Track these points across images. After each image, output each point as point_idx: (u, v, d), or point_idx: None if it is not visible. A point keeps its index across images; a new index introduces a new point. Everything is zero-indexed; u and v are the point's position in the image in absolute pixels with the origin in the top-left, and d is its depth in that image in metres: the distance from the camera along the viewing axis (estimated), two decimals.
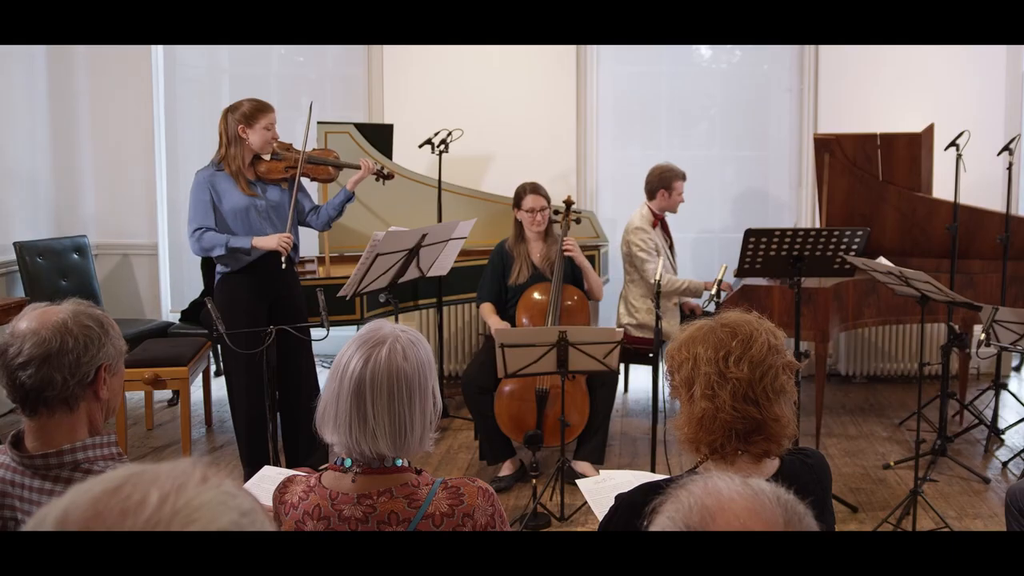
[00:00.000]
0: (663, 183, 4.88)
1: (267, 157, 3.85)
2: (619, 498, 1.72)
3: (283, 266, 3.78)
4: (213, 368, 5.61)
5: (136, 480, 0.77)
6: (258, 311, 3.81)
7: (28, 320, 1.60)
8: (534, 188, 4.38)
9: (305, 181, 4.04)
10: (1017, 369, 6.09)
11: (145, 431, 4.92)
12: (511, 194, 4.54)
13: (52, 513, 0.75)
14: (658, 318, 3.87)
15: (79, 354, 1.59)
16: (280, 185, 3.92)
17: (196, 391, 4.96)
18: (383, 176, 4.23)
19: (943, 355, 4.27)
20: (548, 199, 4.39)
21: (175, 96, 6.02)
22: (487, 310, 4.40)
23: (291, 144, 4.01)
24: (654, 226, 4.89)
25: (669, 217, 5.06)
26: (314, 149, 4.10)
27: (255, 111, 3.77)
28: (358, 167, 4.07)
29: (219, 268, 3.90)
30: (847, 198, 5.21)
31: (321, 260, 5.07)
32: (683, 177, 4.95)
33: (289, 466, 3.47)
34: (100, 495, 0.75)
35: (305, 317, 3.99)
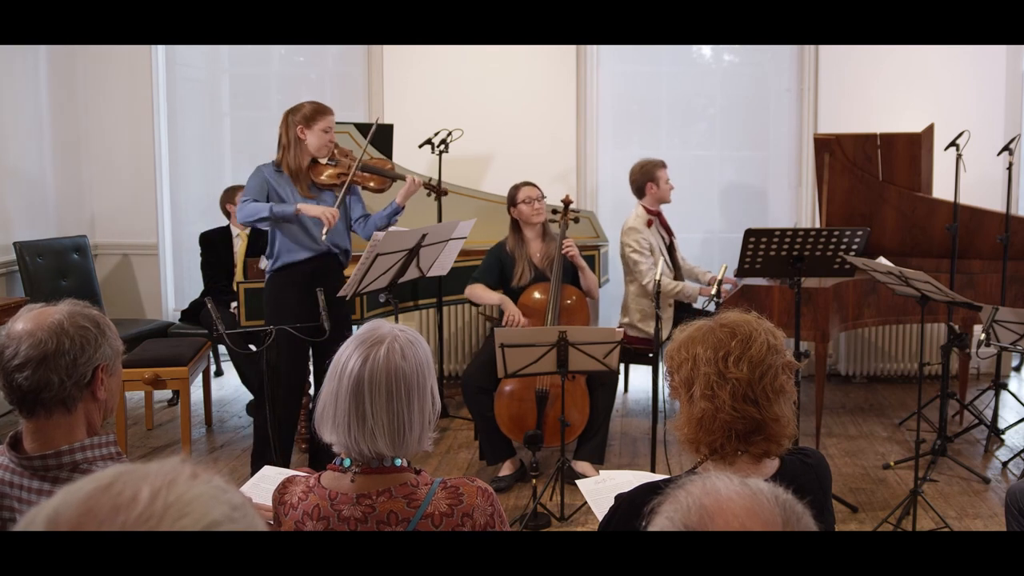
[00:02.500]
0: (646, 176, 4.87)
1: (323, 161, 3.89)
2: (619, 498, 1.72)
3: (323, 236, 3.78)
4: (213, 368, 5.61)
5: (126, 477, 0.77)
6: (309, 301, 3.74)
7: (24, 321, 1.60)
8: (525, 182, 4.46)
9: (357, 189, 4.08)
10: (1017, 369, 6.08)
11: (145, 431, 4.92)
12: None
13: (43, 512, 0.75)
14: (658, 318, 3.87)
15: (75, 355, 1.59)
16: (333, 191, 3.94)
17: (196, 391, 4.96)
18: (435, 191, 4.25)
19: (943, 355, 4.27)
20: (541, 191, 4.44)
21: (175, 96, 6.02)
22: (478, 288, 4.38)
23: (350, 151, 4.04)
24: (649, 225, 4.87)
25: (668, 212, 5.03)
26: (370, 158, 4.12)
27: (315, 113, 3.81)
28: (404, 179, 4.07)
29: (269, 266, 3.94)
30: (847, 198, 5.21)
31: None
32: (663, 165, 4.92)
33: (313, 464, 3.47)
34: (91, 492, 0.76)
35: (349, 315, 4.06)
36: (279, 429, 3.86)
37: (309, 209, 3.75)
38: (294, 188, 3.84)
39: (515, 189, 4.45)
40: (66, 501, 0.75)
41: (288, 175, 3.84)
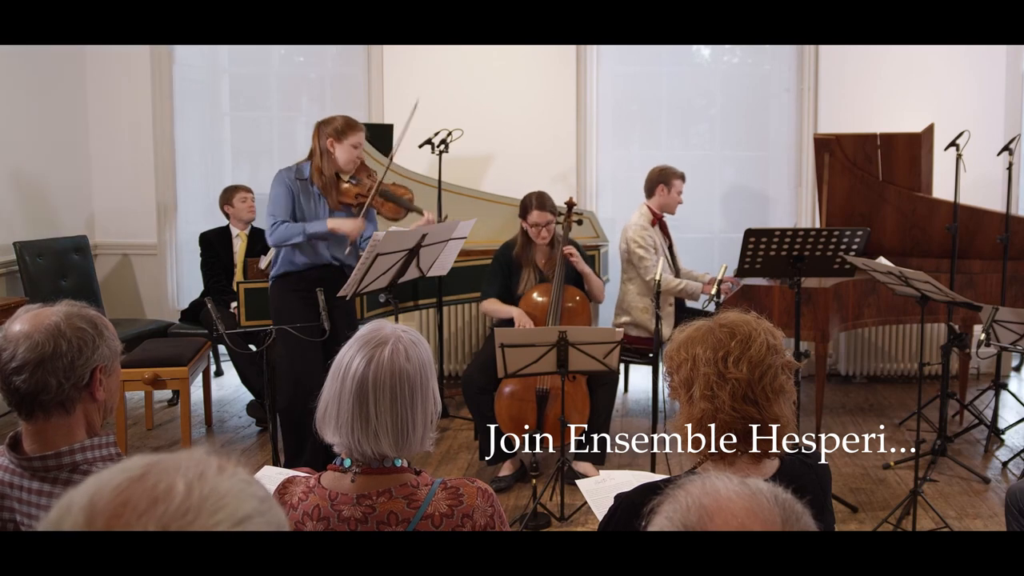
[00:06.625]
0: (662, 178, 4.91)
1: (345, 179, 3.92)
2: (619, 498, 1.72)
3: (346, 251, 3.90)
4: (213, 368, 5.61)
5: (157, 469, 0.78)
6: (313, 304, 3.67)
7: (21, 323, 1.59)
8: (540, 204, 4.30)
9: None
10: (1017, 369, 6.08)
11: (145, 431, 4.92)
12: (511, 194, 4.54)
13: (78, 501, 0.76)
14: (658, 318, 3.87)
15: (73, 357, 1.58)
16: (351, 210, 3.98)
17: (196, 391, 4.96)
18: None
19: (943, 355, 4.27)
20: (555, 212, 4.34)
21: (175, 96, 6.02)
22: (492, 304, 4.38)
23: (373, 172, 4.07)
24: (653, 225, 4.89)
25: (668, 217, 5.05)
26: (392, 184, 4.14)
27: (346, 127, 3.86)
28: (421, 214, 4.11)
29: (273, 271, 3.97)
30: (847, 198, 5.21)
31: None
32: (682, 177, 4.97)
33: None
34: (124, 483, 0.76)
35: (353, 314, 4.08)
36: (292, 432, 3.86)
37: (341, 225, 3.84)
38: (319, 200, 3.89)
39: (528, 203, 4.32)
40: (100, 491, 0.76)
41: (318, 186, 3.89)
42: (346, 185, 3.93)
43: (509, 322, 4.33)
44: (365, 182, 3.97)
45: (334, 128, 3.86)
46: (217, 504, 0.76)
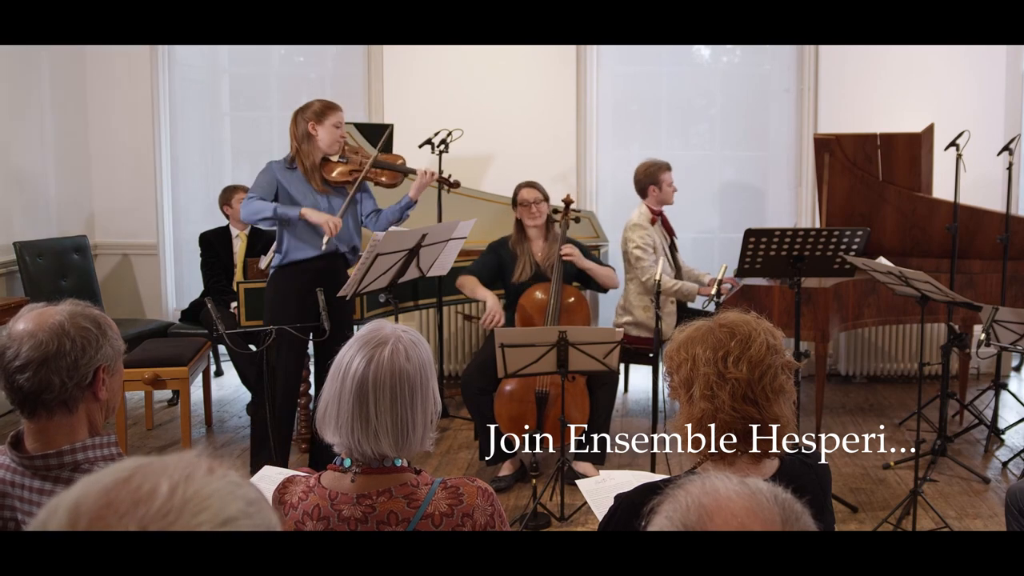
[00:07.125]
0: (650, 179, 4.86)
1: (334, 159, 3.91)
2: (619, 498, 1.72)
3: (322, 248, 3.81)
4: (213, 368, 5.61)
5: (145, 471, 0.78)
6: (310, 300, 3.65)
7: (25, 322, 1.59)
8: (528, 183, 4.47)
9: (369, 185, 4.09)
10: (1017, 369, 6.08)
11: (145, 431, 4.92)
12: (511, 194, 4.56)
13: (64, 503, 0.76)
14: (658, 318, 3.87)
15: (77, 356, 1.58)
16: (345, 188, 3.96)
17: (196, 391, 4.96)
18: (448, 184, 4.25)
19: (943, 355, 4.27)
20: (544, 194, 4.43)
21: (175, 96, 6.02)
22: (471, 281, 4.38)
23: (360, 148, 4.06)
24: (653, 223, 4.87)
25: (669, 213, 5.04)
26: (381, 154, 4.14)
27: (325, 109, 3.85)
28: (415, 173, 4.10)
29: (275, 261, 3.96)
30: (847, 198, 5.21)
31: None
32: (668, 168, 4.90)
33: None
34: (111, 485, 0.77)
35: (351, 315, 4.06)
36: (278, 428, 3.86)
37: (312, 215, 3.77)
38: (307, 185, 3.86)
39: (517, 189, 4.48)
40: (86, 492, 0.77)
41: (301, 171, 3.86)
42: (339, 167, 3.91)
43: (511, 320, 4.34)
44: (355, 158, 3.96)
45: (313, 111, 3.84)
46: (200, 506, 0.76)
